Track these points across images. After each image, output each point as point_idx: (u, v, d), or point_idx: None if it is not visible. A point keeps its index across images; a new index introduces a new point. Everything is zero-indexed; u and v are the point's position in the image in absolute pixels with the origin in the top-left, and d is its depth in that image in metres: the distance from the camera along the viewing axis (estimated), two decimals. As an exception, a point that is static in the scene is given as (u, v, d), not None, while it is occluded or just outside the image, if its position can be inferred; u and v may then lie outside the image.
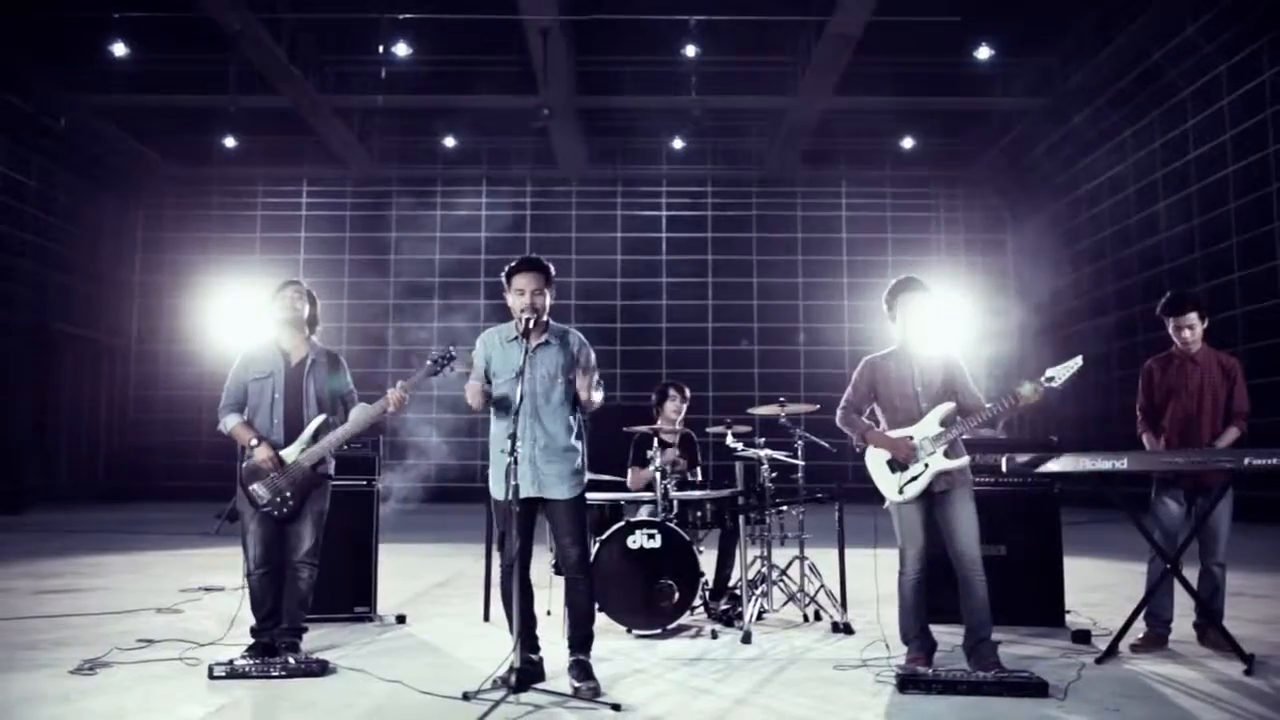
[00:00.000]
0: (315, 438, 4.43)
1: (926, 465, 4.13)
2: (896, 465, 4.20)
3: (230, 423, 4.45)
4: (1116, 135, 17.11)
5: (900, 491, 4.17)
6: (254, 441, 4.35)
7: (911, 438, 4.18)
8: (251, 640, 4.41)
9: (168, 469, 19.91)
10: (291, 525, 4.44)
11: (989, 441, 5.21)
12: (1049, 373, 4.05)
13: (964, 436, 4.20)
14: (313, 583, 4.51)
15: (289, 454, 4.38)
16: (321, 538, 4.53)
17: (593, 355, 4.19)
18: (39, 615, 5.58)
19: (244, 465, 4.40)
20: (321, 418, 4.47)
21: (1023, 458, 4.40)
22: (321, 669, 4.11)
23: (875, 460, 4.28)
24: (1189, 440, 4.81)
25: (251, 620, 4.47)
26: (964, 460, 4.17)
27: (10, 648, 4.66)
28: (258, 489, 4.35)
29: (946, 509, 4.15)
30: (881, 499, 4.32)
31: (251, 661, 4.10)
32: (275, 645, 4.39)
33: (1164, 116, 15.74)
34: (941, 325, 4.40)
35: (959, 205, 21.57)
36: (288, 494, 4.35)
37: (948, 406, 4.21)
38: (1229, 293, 13.84)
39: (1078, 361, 4.08)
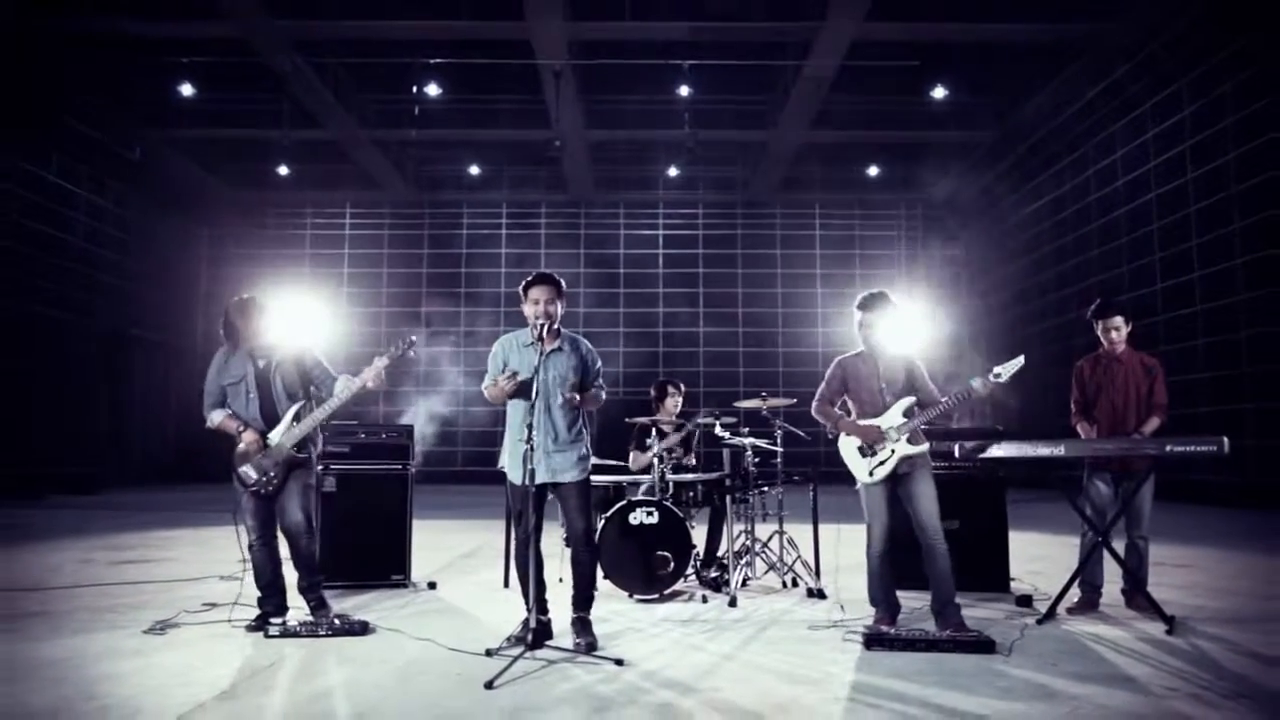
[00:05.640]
0: (297, 419, 4.30)
1: (893, 451, 4.16)
2: (866, 451, 4.21)
3: (216, 417, 4.35)
4: (1056, 164, 17.09)
5: (870, 474, 4.19)
6: (240, 428, 4.26)
7: (879, 426, 4.21)
8: (258, 610, 4.28)
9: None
10: (279, 500, 4.29)
11: (943, 430, 5.23)
12: (996, 369, 4.06)
13: (923, 426, 4.22)
14: (313, 545, 4.34)
15: (273, 437, 4.27)
16: (312, 510, 4.37)
17: (599, 361, 4.22)
18: (116, 582, 5.61)
19: (236, 452, 4.29)
20: (299, 404, 4.32)
21: (969, 444, 4.43)
22: (363, 629, 4.12)
23: (848, 446, 4.30)
24: (1117, 429, 4.82)
25: (257, 592, 4.34)
26: (924, 447, 4.22)
27: (92, 610, 4.69)
28: (246, 470, 4.25)
29: (910, 487, 4.17)
30: (853, 480, 4.33)
31: (302, 623, 4.10)
32: (306, 602, 4.27)
33: (1096, 148, 15.71)
34: (901, 332, 4.41)
35: (919, 225, 21.53)
36: (272, 474, 4.23)
37: (909, 400, 4.23)
38: (1152, 302, 13.81)
39: (1020, 361, 4.10)
